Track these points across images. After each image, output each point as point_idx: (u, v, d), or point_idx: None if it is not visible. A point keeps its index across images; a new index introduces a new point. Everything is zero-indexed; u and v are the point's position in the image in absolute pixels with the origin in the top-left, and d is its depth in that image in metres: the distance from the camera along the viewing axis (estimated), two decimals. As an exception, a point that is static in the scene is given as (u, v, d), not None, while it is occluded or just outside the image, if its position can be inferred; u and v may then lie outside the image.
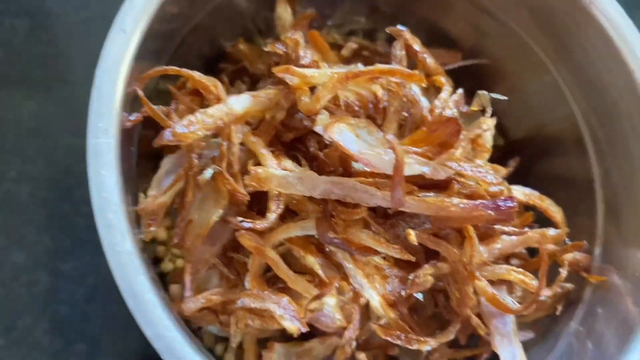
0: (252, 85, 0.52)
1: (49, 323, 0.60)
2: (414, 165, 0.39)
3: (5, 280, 0.60)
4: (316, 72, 0.40)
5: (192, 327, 0.51)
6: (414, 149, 0.40)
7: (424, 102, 0.46)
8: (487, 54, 0.60)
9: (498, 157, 0.57)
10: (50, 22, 0.70)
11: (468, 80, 0.60)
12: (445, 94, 0.46)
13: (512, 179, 0.52)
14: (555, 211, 0.50)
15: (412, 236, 0.40)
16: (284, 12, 0.50)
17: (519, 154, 0.58)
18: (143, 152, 0.44)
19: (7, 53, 0.68)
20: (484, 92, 0.45)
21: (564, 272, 0.45)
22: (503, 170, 0.43)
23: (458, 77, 0.57)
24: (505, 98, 0.47)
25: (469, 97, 0.61)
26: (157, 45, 0.43)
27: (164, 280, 0.53)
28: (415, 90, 0.46)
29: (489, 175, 0.40)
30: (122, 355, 0.61)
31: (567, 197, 0.55)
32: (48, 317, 0.60)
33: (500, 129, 0.63)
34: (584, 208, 0.54)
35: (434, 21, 0.60)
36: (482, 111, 0.53)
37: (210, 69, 0.56)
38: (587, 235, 0.52)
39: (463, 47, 0.60)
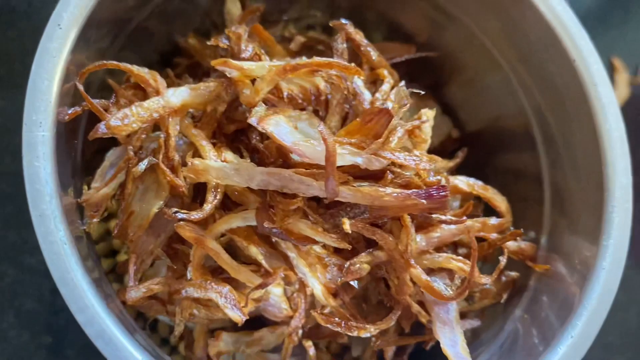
0: (202, 77, 0.53)
1: (15, 316, 0.60)
2: (346, 156, 0.40)
3: (-30, 274, 0.61)
4: (254, 65, 0.41)
5: (146, 317, 0.52)
6: (347, 139, 0.40)
7: (366, 94, 0.46)
8: (442, 48, 0.60)
9: (454, 149, 0.59)
10: (15, 20, 0.71)
11: (427, 75, 0.62)
12: (386, 86, 0.47)
13: (469, 172, 0.53)
14: (499, 200, 0.51)
15: (346, 225, 0.41)
16: (232, 7, 0.50)
17: (476, 146, 0.59)
18: (92, 145, 0.45)
19: (-27, 50, 0.69)
20: (403, 87, 0.46)
21: (503, 260, 0.46)
22: (441, 161, 0.43)
23: (416, 72, 0.58)
24: (423, 92, 0.48)
25: (430, 91, 0.63)
26: (100, 38, 0.44)
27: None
28: (357, 83, 0.46)
29: (422, 164, 0.41)
30: (88, 347, 0.61)
31: (518, 188, 0.56)
32: (14, 310, 0.61)
33: (456, 121, 0.64)
34: (533, 199, 0.55)
35: (391, 16, 0.61)
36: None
37: (167, 64, 0.57)
38: (535, 225, 0.54)
39: (419, 41, 0.61)
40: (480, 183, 0.50)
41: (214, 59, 0.49)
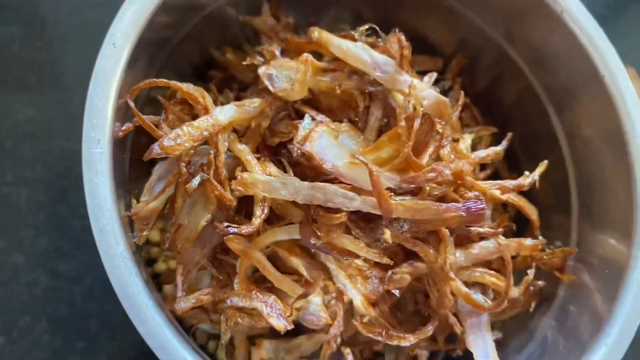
0: (240, 92, 0.54)
1: (47, 322, 0.62)
2: (388, 181, 0.42)
3: (5, 280, 0.62)
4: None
5: (185, 325, 0.53)
6: (389, 171, 0.42)
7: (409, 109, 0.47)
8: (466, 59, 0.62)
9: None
10: (44, 29, 0.72)
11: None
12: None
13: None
14: (530, 210, 0.53)
15: (387, 235, 0.42)
16: (263, 24, 0.52)
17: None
18: (135, 157, 0.46)
19: (2, 59, 0.70)
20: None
21: (530, 272, 0.47)
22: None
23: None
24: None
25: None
26: (148, 55, 0.45)
27: (158, 280, 0.55)
28: (397, 99, 0.48)
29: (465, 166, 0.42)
30: (120, 352, 0.63)
31: (545, 195, 0.57)
32: (47, 316, 0.62)
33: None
34: (560, 207, 0.56)
35: (417, 29, 0.62)
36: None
37: (199, 76, 0.58)
38: (563, 234, 0.55)
39: (446, 53, 0.62)
40: (511, 184, 0.50)
41: (251, 72, 0.51)
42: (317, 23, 0.62)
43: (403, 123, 0.42)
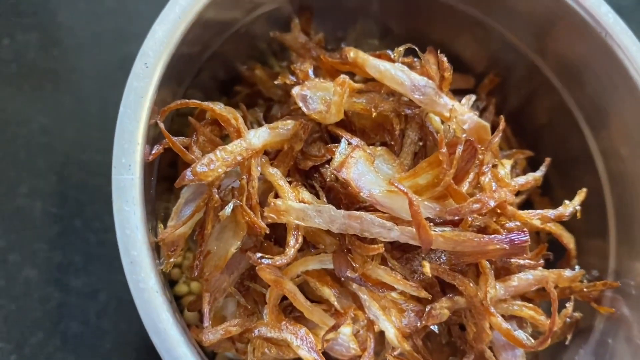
0: (267, 109, 0.53)
1: (60, 339, 0.60)
2: (427, 210, 0.40)
3: (17, 295, 0.61)
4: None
5: (206, 350, 0.51)
6: (428, 200, 0.40)
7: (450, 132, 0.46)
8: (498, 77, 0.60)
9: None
10: (62, 37, 0.70)
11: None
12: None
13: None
14: (567, 238, 0.51)
15: (427, 268, 0.40)
16: (294, 41, 0.50)
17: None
18: (159, 175, 0.44)
19: (19, 67, 0.68)
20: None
21: (570, 306, 0.45)
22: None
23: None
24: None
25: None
26: (177, 73, 0.43)
27: (178, 302, 0.53)
28: (434, 122, 0.46)
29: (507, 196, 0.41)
30: (133, 372, 0.61)
31: (580, 220, 0.55)
32: (60, 333, 0.60)
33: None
34: (597, 232, 0.54)
35: (447, 45, 0.60)
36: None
37: (224, 91, 0.57)
38: (599, 261, 0.53)
39: (477, 71, 0.61)
40: (552, 214, 0.48)
41: (279, 90, 0.49)
42: (345, 38, 0.61)
43: (444, 149, 0.40)
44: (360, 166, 0.41)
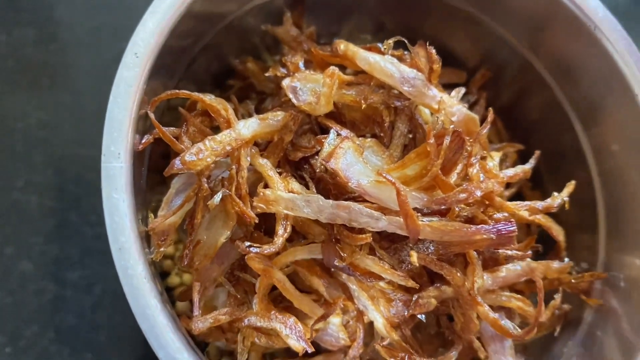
0: (259, 102, 0.53)
1: (55, 332, 0.60)
2: (414, 200, 0.40)
3: (13, 288, 0.61)
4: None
5: (197, 340, 0.51)
6: (416, 190, 0.40)
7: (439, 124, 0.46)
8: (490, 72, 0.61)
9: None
10: (59, 32, 0.71)
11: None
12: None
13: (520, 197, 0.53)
14: (557, 231, 0.51)
15: (414, 257, 0.40)
16: (285, 34, 0.50)
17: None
18: (151, 166, 0.45)
19: (16, 62, 0.69)
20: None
21: (557, 297, 0.46)
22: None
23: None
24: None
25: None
26: (168, 64, 0.44)
27: (170, 294, 0.53)
28: (424, 114, 0.46)
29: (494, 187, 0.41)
30: (128, 365, 0.61)
31: (570, 214, 0.56)
32: (55, 326, 0.60)
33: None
34: (586, 226, 0.55)
35: (440, 40, 0.60)
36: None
37: (218, 85, 0.57)
38: (589, 254, 0.54)
39: (470, 66, 0.61)
40: (540, 205, 0.48)
41: (271, 83, 0.50)
42: (338, 32, 0.61)
43: (432, 140, 0.41)
44: (349, 157, 0.42)
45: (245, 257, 0.40)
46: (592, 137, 0.54)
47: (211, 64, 0.54)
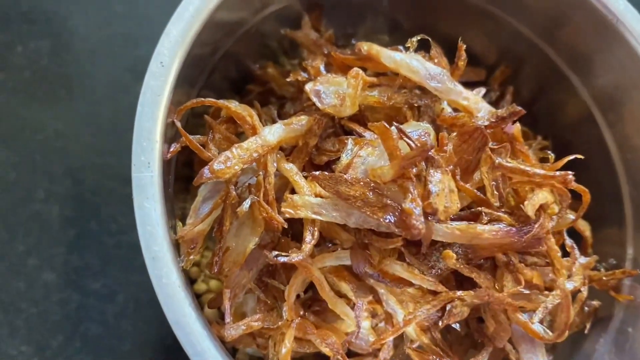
0: (280, 106, 0.53)
1: (80, 341, 0.61)
2: None
3: (37, 299, 0.61)
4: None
5: (227, 346, 0.51)
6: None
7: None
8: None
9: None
10: (73, 43, 0.71)
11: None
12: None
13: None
14: (583, 225, 0.51)
15: (453, 259, 0.40)
16: (305, 38, 0.50)
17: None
18: (177, 174, 0.45)
19: (32, 74, 0.69)
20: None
21: (584, 290, 0.45)
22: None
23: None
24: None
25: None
26: (192, 74, 0.44)
27: (198, 301, 0.53)
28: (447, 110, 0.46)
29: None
30: (153, 372, 0.62)
31: (597, 208, 0.55)
32: (80, 335, 0.61)
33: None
34: (613, 219, 0.54)
35: (455, 37, 0.60)
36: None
37: (237, 91, 0.57)
38: (617, 249, 0.53)
39: (487, 63, 0.60)
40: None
41: (291, 87, 0.50)
42: (355, 34, 0.61)
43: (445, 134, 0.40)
44: (370, 163, 0.41)
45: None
46: (616, 132, 0.54)
47: (231, 71, 0.54)
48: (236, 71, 0.55)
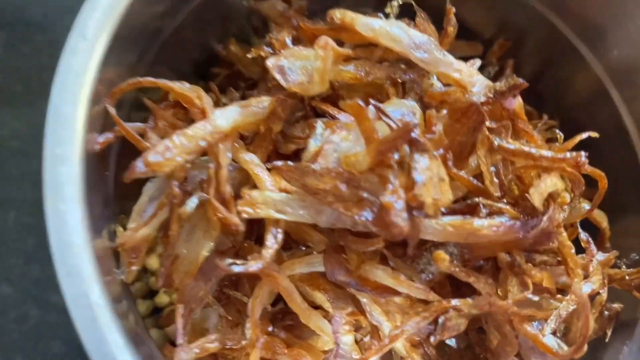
0: (248, 89, 0.47)
1: (41, 360, 0.56)
2: None
3: (-8, 315, 0.56)
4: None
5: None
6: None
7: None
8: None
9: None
10: (31, 34, 0.66)
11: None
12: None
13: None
14: (600, 216, 0.46)
15: (445, 262, 0.33)
16: (271, 9, 0.44)
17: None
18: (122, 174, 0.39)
19: (-14, 68, 0.64)
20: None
21: (603, 292, 0.39)
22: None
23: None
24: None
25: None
26: (130, 50, 0.37)
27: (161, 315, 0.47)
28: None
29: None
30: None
31: (615, 197, 0.49)
32: (40, 354, 0.56)
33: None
34: (634, 209, 0.49)
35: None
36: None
37: (202, 75, 0.51)
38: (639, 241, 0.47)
39: (485, 38, 0.55)
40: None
41: (260, 68, 0.44)
42: (338, 7, 0.55)
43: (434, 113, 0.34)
44: (345, 149, 0.35)
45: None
46: (635, 109, 0.48)
47: (193, 51, 0.48)
48: (200, 52, 0.49)
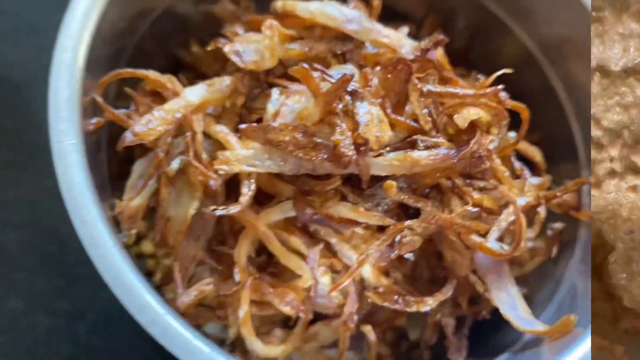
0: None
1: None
2: None
3: (5, 327, 0.59)
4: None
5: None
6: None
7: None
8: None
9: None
10: (11, 72, 0.70)
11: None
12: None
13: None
14: (533, 152, 0.51)
15: (393, 188, 0.40)
16: (222, 11, 0.50)
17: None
18: (116, 159, 0.44)
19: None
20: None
21: (541, 211, 0.44)
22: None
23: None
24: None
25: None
26: (108, 55, 0.43)
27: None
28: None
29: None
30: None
31: (548, 148, 0.54)
32: (52, 358, 0.59)
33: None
34: (566, 158, 0.53)
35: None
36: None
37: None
38: (572, 170, 0.52)
39: (415, 19, 0.59)
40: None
41: (218, 64, 0.49)
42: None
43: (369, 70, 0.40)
44: (299, 109, 0.41)
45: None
46: (562, 74, 0.53)
47: (159, 60, 0.53)
48: (167, 61, 0.54)
